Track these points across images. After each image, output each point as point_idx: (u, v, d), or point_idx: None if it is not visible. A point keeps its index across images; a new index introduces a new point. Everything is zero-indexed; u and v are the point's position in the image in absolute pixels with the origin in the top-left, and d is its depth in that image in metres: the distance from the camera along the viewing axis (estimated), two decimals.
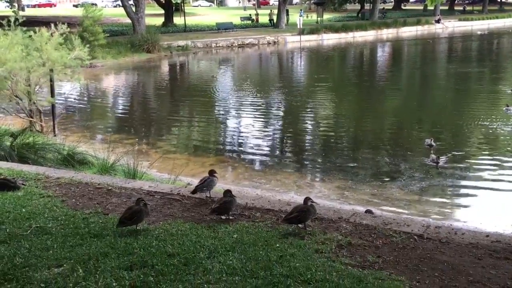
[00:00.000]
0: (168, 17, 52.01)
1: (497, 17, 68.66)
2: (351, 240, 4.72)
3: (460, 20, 64.52)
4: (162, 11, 53.64)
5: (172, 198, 6.15)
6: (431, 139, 12.04)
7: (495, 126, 13.75)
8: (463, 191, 9.44)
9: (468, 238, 4.76)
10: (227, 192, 5.56)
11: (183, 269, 4.05)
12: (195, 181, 7.51)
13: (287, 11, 56.13)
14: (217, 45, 41.73)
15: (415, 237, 4.79)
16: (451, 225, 5.64)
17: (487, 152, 11.68)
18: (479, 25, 61.70)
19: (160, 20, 52.34)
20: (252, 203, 5.92)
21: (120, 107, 20.44)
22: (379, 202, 8.76)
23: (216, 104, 19.27)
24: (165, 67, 32.82)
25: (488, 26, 62.00)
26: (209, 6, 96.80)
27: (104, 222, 5.22)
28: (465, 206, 8.74)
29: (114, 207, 5.85)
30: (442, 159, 10.86)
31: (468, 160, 11.15)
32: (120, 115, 18.32)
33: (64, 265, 4.12)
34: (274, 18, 53.74)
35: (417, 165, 10.76)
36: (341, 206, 7.21)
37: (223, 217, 5.46)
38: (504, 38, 48.18)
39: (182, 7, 54.09)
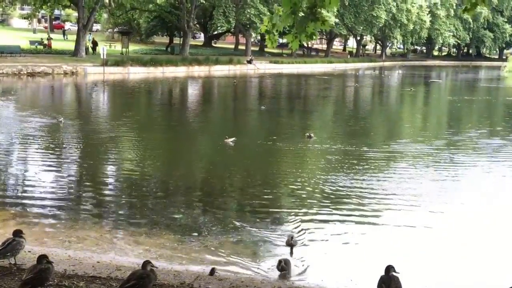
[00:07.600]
0: None
1: (305, 62, 75.88)
2: None
3: (271, 62, 69.64)
4: None
5: None
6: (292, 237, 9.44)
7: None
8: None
9: None
10: (43, 258, 4.98)
11: None
12: None
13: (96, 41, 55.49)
14: (0, 71, 38.67)
15: None
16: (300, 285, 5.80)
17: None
18: (289, 69, 67.47)
19: None
20: (72, 269, 5.40)
21: None
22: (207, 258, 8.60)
23: None
24: None
25: (297, 70, 68.13)
26: None
27: None
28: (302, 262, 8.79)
29: None
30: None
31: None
32: None
33: None
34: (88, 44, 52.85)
35: (229, 216, 10.89)
36: (180, 268, 6.95)
37: None
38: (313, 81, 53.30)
39: None
